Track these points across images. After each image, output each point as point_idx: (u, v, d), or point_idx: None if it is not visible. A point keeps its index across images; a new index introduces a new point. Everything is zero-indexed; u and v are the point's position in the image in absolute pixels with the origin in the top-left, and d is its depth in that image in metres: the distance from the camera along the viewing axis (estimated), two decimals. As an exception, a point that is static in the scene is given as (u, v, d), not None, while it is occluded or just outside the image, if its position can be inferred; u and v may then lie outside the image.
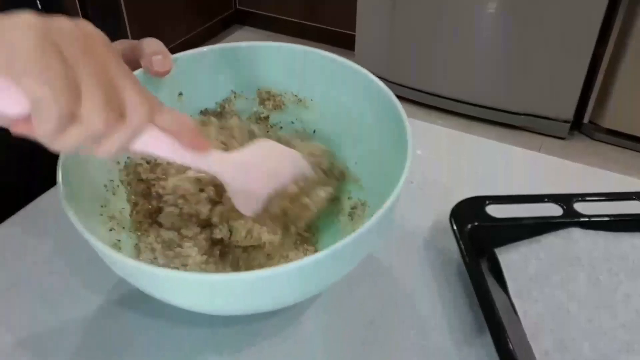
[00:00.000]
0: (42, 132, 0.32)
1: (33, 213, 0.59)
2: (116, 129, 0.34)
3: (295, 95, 0.56)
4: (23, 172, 0.65)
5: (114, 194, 0.50)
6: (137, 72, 0.49)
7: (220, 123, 0.53)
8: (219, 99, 0.56)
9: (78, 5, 1.93)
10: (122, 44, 0.52)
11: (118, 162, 0.51)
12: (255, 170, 0.46)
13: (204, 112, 0.55)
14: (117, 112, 0.34)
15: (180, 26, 2.54)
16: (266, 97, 0.56)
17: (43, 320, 0.49)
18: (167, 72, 0.49)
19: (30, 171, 0.66)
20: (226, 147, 0.51)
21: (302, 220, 0.50)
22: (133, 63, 0.50)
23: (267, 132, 0.57)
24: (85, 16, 2.20)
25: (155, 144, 0.38)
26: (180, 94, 0.54)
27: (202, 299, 0.41)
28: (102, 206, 0.48)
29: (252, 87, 0.56)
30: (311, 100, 0.56)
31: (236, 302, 0.42)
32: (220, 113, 0.56)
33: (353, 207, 0.53)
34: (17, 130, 0.33)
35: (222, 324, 0.49)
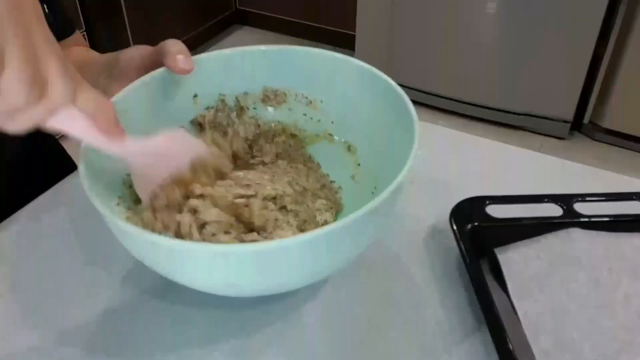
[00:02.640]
0: None
1: (34, 211, 0.59)
2: (34, 106, 0.34)
3: (306, 97, 0.57)
4: (23, 171, 0.65)
5: (130, 186, 0.50)
6: (159, 71, 0.52)
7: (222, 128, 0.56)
8: (231, 100, 0.57)
9: (78, 5, 1.93)
10: (144, 50, 0.54)
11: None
12: (157, 157, 0.47)
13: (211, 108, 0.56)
14: (39, 89, 0.34)
15: (180, 26, 2.54)
16: (273, 96, 0.58)
17: (65, 304, 0.49)
18: (190, 71, 0.51)
19: (31, 170, 0.66)
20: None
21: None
22: (155, 64, 0.52)
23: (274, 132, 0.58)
24: (86, 16, 2.20)
25: (69, 122, 0.39)
26: (195, 95, 0.55)
27: (212, 273, 0.42)
28: (119, 197, 0.49)
29: (259, 87, 0.58)
30: (321, 102, 0.57)
31: (243, 277, 0.42)
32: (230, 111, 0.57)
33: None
34: None
35: (232, 308, 0.49)
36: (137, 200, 0.50)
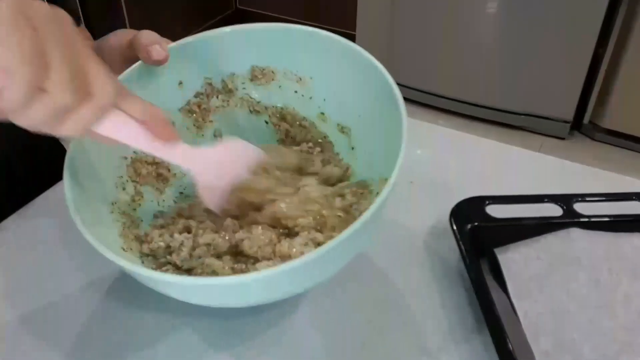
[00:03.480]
0: (9, 103, 0.32)
1: (33, 211, 0.59)
2: (82, 106, 0.35)
3: (296, 74, 0.56)
4: (24, 169, 0.65)
5: (124, 188, 0.50)
6: (136, 65, 0.51)
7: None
8: (218, 83, 0.57)
9: (78, 5, 1.93)
10: (126, 34, 0.54)
11: (125, 158, 0.51)
12: (220, 167, 0.47)
13: (200, 94, 0.56)
14: (83, 89, 0.35)
15: (180, 25, 2.54)
16: (261, 75, 0.57)
17: (48, 315, 0.49)
18: (165, 61, 0.50)
19: (32, 168, 0.66)
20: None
21: (271, 211, 0.49)
22: (132, 58, 0.51)
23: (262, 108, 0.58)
24: (86, 16, 2.20)
25: (121, 130, 0.39)
26: (180, 82, 0.55)
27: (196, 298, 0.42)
28: (112, 204, 0.48)
29: (247, 67, 0.57)
30: (310, 78, 0.56)
31: (228, 301, 0.43)
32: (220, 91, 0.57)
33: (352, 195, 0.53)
34: None
35: (221, 317, 0.49)
36: (132, 201, 0.50)
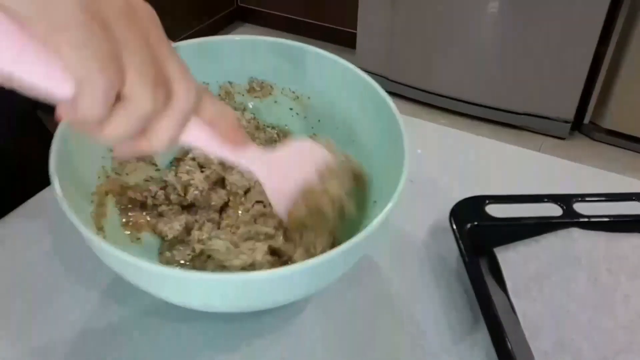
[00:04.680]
0: (86, 113, 0.30)
1: (29, 210, 0.59)
2: (164, 113, 0.32)
3: (293, 92, 0.56)
4: (20, 169, 0.65)
5: (107, 177, 0.50)
6: None
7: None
8: (215, 90, 0.56)
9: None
10: None
11: (110, 150, 0.51)
12: (288, 169, 0.45)
13: None
14: (164, 92, 0.31)
15: (181, 23, 2.54)
16: (259, 88, 0.57)
17: (41, 318, 0.49)
18: None
19: (28, 168, 0.66)
20: None
21: (319, 232, 0.48)
22: None
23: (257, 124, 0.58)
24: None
25: (196, 134, 0.36)
26: None
27: (189, 296, 0.42)
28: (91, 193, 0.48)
29: (245, 78, 0.57)
30: (308, 98, 0.56)
31: (221, 302, 0.42)
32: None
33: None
34: (63, 114, 0.31)
35: (220, 320, 0.49)
36: (113, 192, 0.50)
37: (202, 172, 0.53)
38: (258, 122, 0.57)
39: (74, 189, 0.44)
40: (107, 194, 0.50)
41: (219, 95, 0.57)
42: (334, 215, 0.46)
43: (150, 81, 0.30)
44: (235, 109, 0.57)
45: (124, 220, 0.50)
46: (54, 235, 0.56)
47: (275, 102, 0.57)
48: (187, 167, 0.53)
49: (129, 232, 0.50)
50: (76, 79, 0.29)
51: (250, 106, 0.57)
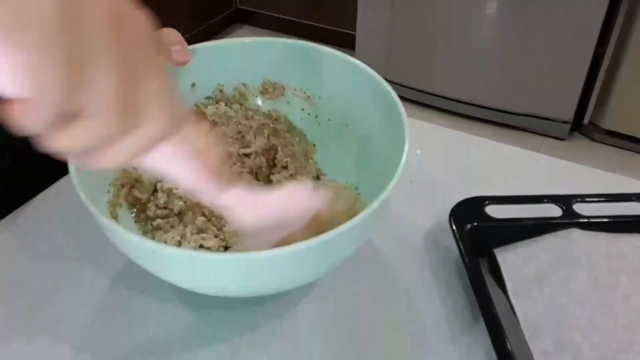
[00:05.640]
0: (31, 125, 0.26)
1: (27, 214, 0.59)
2: (127, 136, 0.29)
3: (305, 92, 0.57)
4: (27, 167, 0.65)
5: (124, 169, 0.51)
6: None
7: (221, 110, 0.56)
8: (229, 91, 0.57)
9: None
10: None
11: None
12: (271, 214, 0.41)
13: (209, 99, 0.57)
14: (129, 117, 0.28)
15: (181, 25, 2.54)
16: (272, 89, 0.58)
17: (50, 311, 0.49)
18: (187, 63, 0.47)
19: (35, 165, 0.66)
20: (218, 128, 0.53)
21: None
22: None
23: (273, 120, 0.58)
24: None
25: (165, 161, 0.33)
26: (193, 84, 0.55)
27: (188, 276, 0.42)
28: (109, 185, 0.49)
29: (259, 80, 0.58)
30: (319, 98, 0.57)
31: (224, 283, 0.42)
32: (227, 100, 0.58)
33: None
34: (9, 112, 0.26)
35: (219, 308, 0.49)
36: (125, 186, 0.51)
37: None
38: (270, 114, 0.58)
39: (90, 179, 0.44)
40: (123, 186, 0.50)
41: (234, 96, 0.57)
42: None
43: (114, 103, 0.27)
44: (249, 110, 0.58)
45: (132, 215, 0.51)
46: (58, 233, 0.56)
47: (288, 102, 0.58)
48: None
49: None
50: (30, 83, 0.25)
51: (264, 108, 0.58)
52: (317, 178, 0.57)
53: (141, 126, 0.29)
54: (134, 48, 0.28)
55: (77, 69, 0.25)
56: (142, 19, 0.29)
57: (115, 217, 0.48)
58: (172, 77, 0.31)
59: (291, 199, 0.42)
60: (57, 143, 0.28)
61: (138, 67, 0.28)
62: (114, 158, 0.29)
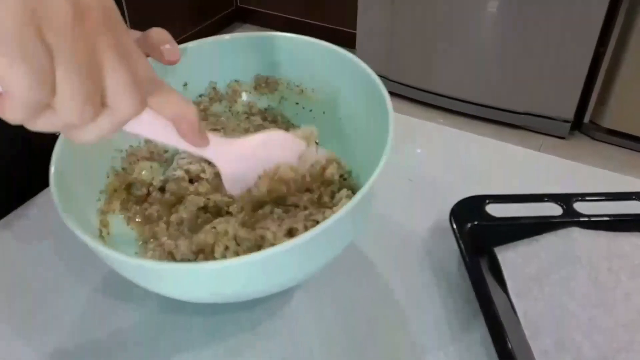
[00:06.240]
0: (9, 116, 0.29)
1: (18, 218, 0.59)
2: (94, 121, 0.32)
3: (298, 86, 0.57)
4: (23, 168, 0.65)
5: (116, 174, 0.51)
6: None
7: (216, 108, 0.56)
8: (222, 88, 0.57)
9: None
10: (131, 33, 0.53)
11: (120, 151, 0.52)
12: (250, 155, 0.47)
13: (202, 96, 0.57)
14: (96, 104, 0.31)
15: (181, 24, 2.54)
16: (264, 84, 0.57)
17: (49, 311, 0.49)
18: (177, 61, 0.49)
19: (30, 167, 0.66)
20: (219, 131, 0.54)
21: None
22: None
23: (265, 117, 0.58)
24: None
25: (147, 127, 0.37)
26: (185, 84, 0.55)
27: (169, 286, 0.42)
28: (100, 191, 0.49)
29: (251, 76, 0.57)
30: (312, 90, 0.56)
31: (207, 291, 0.42)
32: (220, 96, 0.57)
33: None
34: None
35: (210, 313, 0.49)
36: (119, 189, 0.51)
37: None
38: (265, 116, 0.58)
39: (78, 189, 0.45)
40: (115, 190, 0.51)
41: (227, 93, 0.57)
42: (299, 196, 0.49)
43: (82, 97, 0.29)
44: (243, 105, 0.58)
45: (129, 216, 0.51)
46: (57, 233, 0.56)
47: (282, 97, 0.58)
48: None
49: (133, 228, 0.51)
50: (3, 87, 0.28)
51: (259, 104, 0.58)
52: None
53: (110, 110, 0.32)
54: (98, 39, 0.30)
55: (42, 68, 0.28)
56: (103, 7, 0.30)
57: (105, 225, 0.48)
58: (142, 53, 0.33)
59: (268, 141, 0.47)
60: (37, 127, 0.31)
61: (102, 56, 0.30)
62: (89, 136, 0.32)
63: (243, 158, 0.46)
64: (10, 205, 0.59)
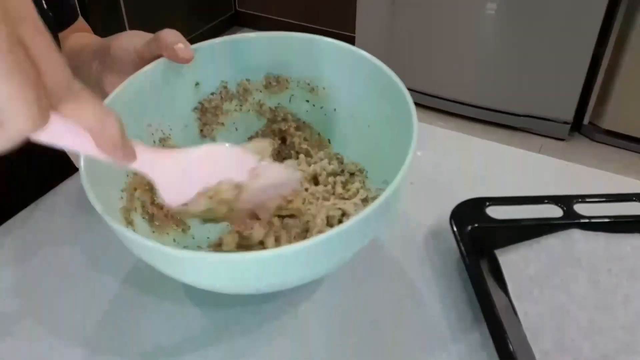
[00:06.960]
0: None
1: (35, 213, 0.59)
2: None
3: (308, 84, 0.57)
4: (36, 166, 0.65)
5: (136, 173, 0.50)
6: (158, 61, 0.51)
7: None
8: (233, 87, 0.57)
9: (77, 6, 1.93)
10: (141, 37, 0.53)
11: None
12: (187, 171, 0.43)
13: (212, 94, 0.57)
14: None
15: (180, 28, 2.53)
16: (275, 82, 0.58)
17: (52, 319, 0.49)
18: (191, 59, 0.50)
19: (43, 164, 0.66)
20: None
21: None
22: (152, 55, 0.51)
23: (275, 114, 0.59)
24: (85, 17, 2.20)
25: (58, 138, 0.33)
26: (197, 83, 0.55)
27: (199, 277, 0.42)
28: (121, 190, 0.49)
29: (262, 74, 0.58)
30: (323, 88, 0.57)
31: (233, 282, 0.42)
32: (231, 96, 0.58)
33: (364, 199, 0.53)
34: None
35: (215, 311, 0.49)
36: (140, 187, 0.50)
37: None
38: (276, 114, 0.59)
39: (104, 185, 0.45)
40: (135, 189, 0.50)
41: (237, 92, 0.57)
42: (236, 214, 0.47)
43: None
44: (253, 104, 0.58)
45: (147, 217, 0.51)
46: (76, 226, 0.57)
47: (293, 95, 0.58)
48: None
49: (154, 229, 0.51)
50: None
51: (269, 103, 0.58)
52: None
53: (3, 124, 0.28)
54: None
55: None
56: (7, 13, 0.27)
57: (130, 222, 0.48)
58: (56, 63, 0.29)
59: (210, 154, 0.45)
60: None
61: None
62: None
63: (180, 170, 0.43)
64: (17, 206, 0.60)
